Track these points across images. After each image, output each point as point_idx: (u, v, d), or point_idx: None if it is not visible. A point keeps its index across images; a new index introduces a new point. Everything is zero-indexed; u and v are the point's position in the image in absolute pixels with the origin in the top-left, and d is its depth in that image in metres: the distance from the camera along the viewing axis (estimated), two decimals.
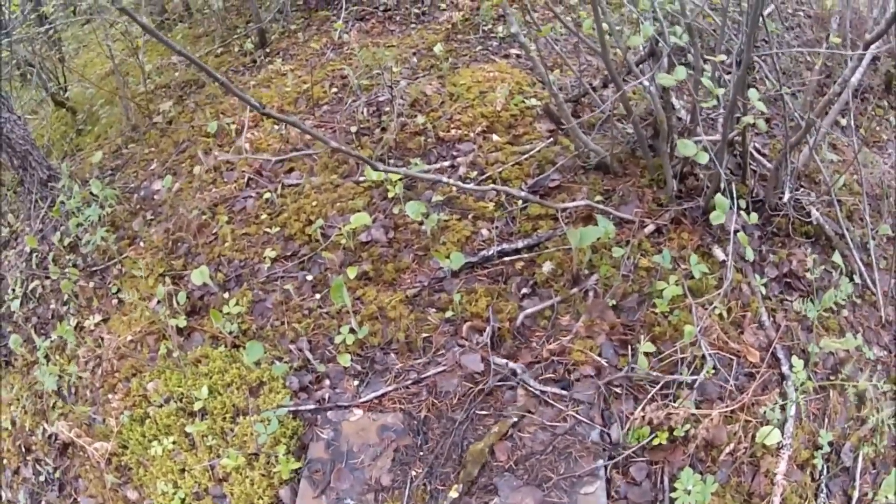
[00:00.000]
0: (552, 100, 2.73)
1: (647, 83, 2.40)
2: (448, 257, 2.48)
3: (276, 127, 3.23)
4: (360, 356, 2.38)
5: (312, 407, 2.27)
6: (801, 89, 3.20)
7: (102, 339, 2.92)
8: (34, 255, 3.43)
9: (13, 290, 3.48)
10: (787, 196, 2.50)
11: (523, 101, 3.13)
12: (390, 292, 2.52)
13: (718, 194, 2.25)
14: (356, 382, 2.32)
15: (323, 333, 2.45)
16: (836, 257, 2.47)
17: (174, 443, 2.33)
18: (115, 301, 3.02)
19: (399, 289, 2.54)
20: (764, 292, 2.41)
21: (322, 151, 3.00)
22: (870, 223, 2.60)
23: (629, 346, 2.29)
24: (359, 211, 2.69)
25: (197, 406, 2.34)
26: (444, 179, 2.39)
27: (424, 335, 2.40)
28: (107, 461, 2.50)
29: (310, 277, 2.61)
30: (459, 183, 2.53)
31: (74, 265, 3.25)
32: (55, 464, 2.76)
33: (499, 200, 2.78)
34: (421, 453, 2.13)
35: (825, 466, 2.11)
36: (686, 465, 2.00)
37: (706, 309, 2.26)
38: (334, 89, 3.39)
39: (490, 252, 2.60)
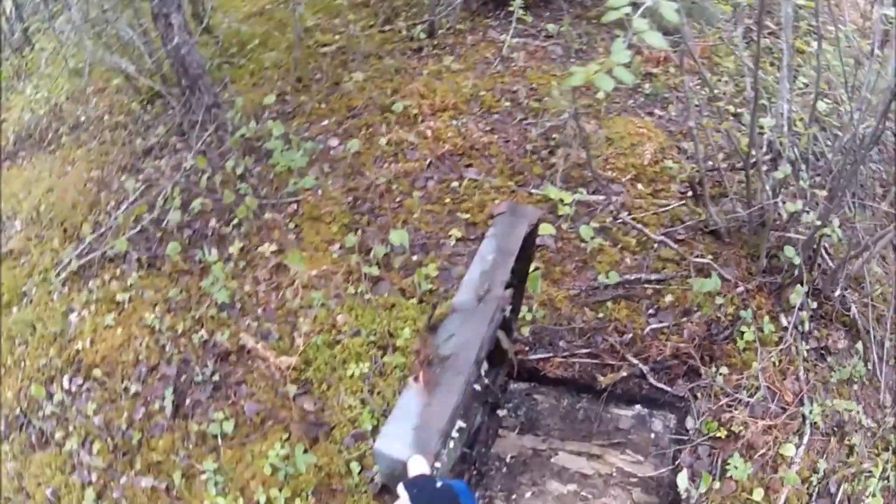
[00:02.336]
0: (697, 174, 3.50)
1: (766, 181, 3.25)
2: (607, 274, 3.26)
3: (454, 122, 3.91)
4: (533, 332, 3.13)
5: None
6: (872, 205, 4.04)
7: (280, 266, 3.56)
8: (203, 174, 4.01)
9: (170, 200, 4.05)
10: (837, 293, 3.36)
11: (663, 160, 3.89)
12: (556, 288, 3.27)
13: (798, 285, 3.17)
14: (527, 348, 3.08)
15: None
16: (859, 346, 3.29)
17: (368, 367, 3.00)
18: (291, 236, 3.65)
19: (562, 287, 3.28)
20: (805, 356, 3.22)
21: (498, 158, 3.71)
22: (891, 329, 3.38)
23: (714, 366, 3.11)
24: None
25: (397, 342, 3.03)
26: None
27: (581, 326, 3.16)
28: (286, 374, 3.15)
29: None
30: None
31: (246, 193, 3.86)
32: (213, 367, 3.37)
33: (639, 238, 3.54)
34: None
35: (817, 487, 2.91)
36: (735, 453, 2.83)
37: (768, 355, 3.11)
38: (506, 102, 4.09)
39: (631, 277, 3.38)
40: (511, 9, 4.56)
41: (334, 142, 3.97)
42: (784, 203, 3.41)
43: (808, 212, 3.52)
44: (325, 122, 4.11)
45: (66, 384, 3.73)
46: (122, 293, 3.79)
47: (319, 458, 2.82)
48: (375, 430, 2.86)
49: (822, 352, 3.37)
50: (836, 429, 3.12)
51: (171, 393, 3.30)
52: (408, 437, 1.74)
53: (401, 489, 1.56)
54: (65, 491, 3.37)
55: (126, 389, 3.47)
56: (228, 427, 3.06)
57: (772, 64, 4.68)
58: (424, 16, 4.69)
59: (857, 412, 3.12)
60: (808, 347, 3.24)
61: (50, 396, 3.70)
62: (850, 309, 3.44)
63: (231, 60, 4.84)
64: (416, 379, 1.86)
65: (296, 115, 4.23)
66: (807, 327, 3.20)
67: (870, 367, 3.34)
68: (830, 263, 3.57)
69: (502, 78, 4.31)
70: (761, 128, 3.82)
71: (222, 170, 4.01)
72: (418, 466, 1.65)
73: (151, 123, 4.69)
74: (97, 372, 3.57)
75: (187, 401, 3.32)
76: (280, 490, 2.79)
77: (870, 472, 2.99)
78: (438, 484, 1.56)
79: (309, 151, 3.81)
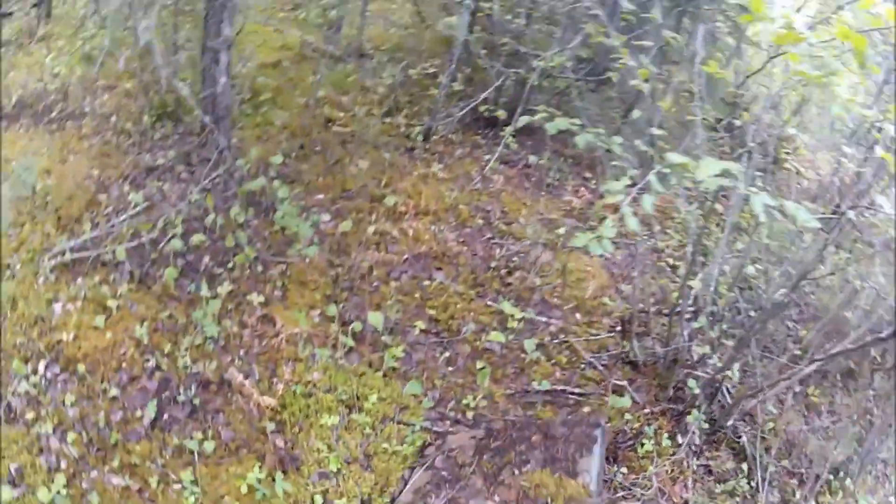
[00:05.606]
0: (629, 313, 4.68)
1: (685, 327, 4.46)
2: (540, 381, 4.37)
3: (433, 227, 4.96)
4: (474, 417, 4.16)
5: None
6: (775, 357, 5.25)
7: (267, 317, 4.44)
8: (207, 214, 4.83)
9: (171, 226, 4.82)
10: (730, 423, 4.45)
11: (602, 297, 5.05)
12: (496, 386, 4.34)
13: (695, 411, 4.29)
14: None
15: (454, 394, 4.19)
16: (744, 466, 4.32)
17: (337, 421, 3.93)
18: (278, 293, 4.55)
19: (501, 385, 4.36)
20: (694, 469, 4.24)
21: (464, 268, 4.80)
22: (776, 456, 4.43)
23: (616, 465, 4.11)
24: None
25: (364, 405, 3.98)
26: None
27: (512, 419, 4.23)
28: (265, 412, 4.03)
29: (447, 354, 4.36)
30: None
31: (242, 243, 4.72)
32: (195, 392, 4.07)
33: (570, 358, 4.62)
34: None
35: None
36: None
37: (662, 464, 4.13)
38: (479, 219, 5.18)
39: (559, 388, 4.41)
40: (502, 134, 5.66)
41: (326, 217, 4.92)
42: (695, 347, 4.51)
43: (712, 356, 4.64)
44: (321, 196, 5.04)
45: (42, 369, 4.32)
46: (112, 300, 4.38)
47: (289, 487, 3.67)
48: (339, 472, 3.75)
49: (709, 468, 4.40)
50: None
51: (154, 406, 4.03)
52: None
53: None
54: (30, 471, 3.80)
55: (105, 391, 4.08)
56: (209, 447, 3.80)
57: (717, 224, 5.74)
58: (424, 117, 5.75)
59: None
60: (697, 463, 4.28)
61: (26, 376, 4.30)
62: (741, 437, 4.52)
63: (242, 109, 5.70)
64: None
65: (294, 181, 5.14)
66: (697, 442, 4.26)
67: (753, 484, 4.34)
68: (728, 400, 4.65)
69: (480, 196, 5.39)
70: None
71: (225, 213, 4.85)
72: None
73: (160, 143, 5.44)
74: (80, 367, 4.20)
75: (165, 415, 4.06)
76: None
77: None
78: None
79: (315, 223, 4.73)
